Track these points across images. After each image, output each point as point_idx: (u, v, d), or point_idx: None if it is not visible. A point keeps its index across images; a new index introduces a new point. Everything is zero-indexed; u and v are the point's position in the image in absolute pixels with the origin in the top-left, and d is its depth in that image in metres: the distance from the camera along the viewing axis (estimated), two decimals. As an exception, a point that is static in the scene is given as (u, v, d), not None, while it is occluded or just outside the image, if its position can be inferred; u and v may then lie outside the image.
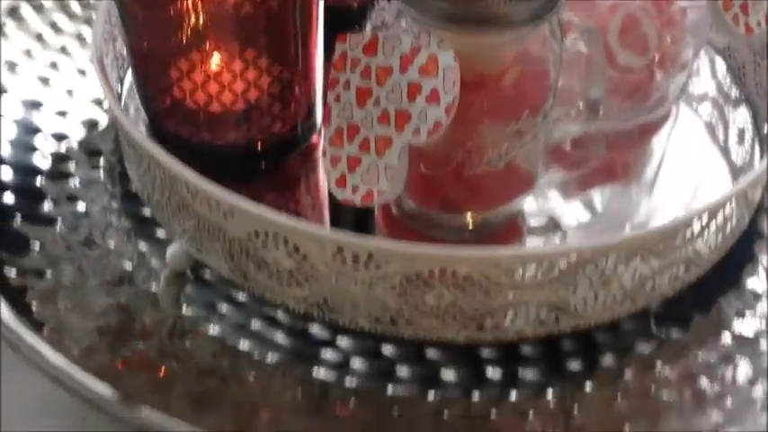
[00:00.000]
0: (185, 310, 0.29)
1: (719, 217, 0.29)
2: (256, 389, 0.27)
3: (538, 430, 0.25)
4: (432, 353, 0.29)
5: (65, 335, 0.27)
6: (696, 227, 0.28)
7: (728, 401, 0.26)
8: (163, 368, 0.27)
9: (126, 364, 0.26)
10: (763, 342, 0.27)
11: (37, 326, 0.27)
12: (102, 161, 0.34)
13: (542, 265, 0.26)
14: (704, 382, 0.27)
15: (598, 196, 0.35)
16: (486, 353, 0.29)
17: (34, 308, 0.28)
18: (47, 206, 0.32)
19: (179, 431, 0.25)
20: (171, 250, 0.31)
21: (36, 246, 0.30)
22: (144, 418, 0.25)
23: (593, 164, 0.35)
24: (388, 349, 0.29)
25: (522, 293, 0.27)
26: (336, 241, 0.26)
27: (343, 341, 0.29)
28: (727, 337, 0.28)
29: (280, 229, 0.27)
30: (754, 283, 0.31)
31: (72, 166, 0.33)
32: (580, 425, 0.26)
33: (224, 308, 0.30)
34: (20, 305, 0.27)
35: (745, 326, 0.29)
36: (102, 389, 0.25)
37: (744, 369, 0.27)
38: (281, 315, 0.30)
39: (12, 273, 0.29)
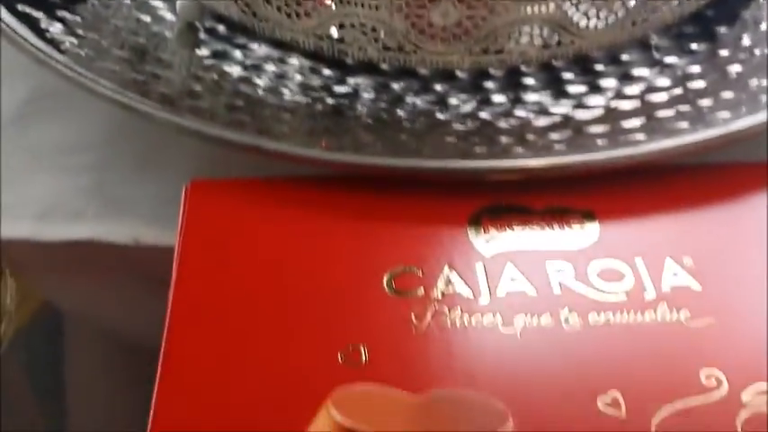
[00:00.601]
0: (202, 52, 0.31)
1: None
2: (275, 105, 0.28)
3: (545, 127, 0.27)
4: (439, 87, 0.30)
5: (91, 57, 0.28)
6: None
7: (726, 95, 0.27)
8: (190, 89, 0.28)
9: (154, 80, 0.28)
10: (757, 50, 0.28)
11: (62, 50, 0.28)
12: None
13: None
14: (702, 84, 0.28)
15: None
16: (491, 84, 0.30)
17: (57, 38, 0.29)
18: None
19: (214, 134, 0.26)
20: (180, 1, 0.32)
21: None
22: (184, 121, 0.26)
23: None
24: (396, 84, 0.30)
25: (525, 9, 0.28)
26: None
27: (354, 79, 0.30)
28: (726, 55, 0.30)
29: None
30: (754, 16, 0.32)
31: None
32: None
33: (238, 53, 0.31)
34: (43, 36, 0.29)
35: (745, 41, 0.30)
36: (137, 99, 0.26)
37: (741, 69, 0.28)
38: (293, 60, 0.31)
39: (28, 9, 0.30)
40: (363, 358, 0.21)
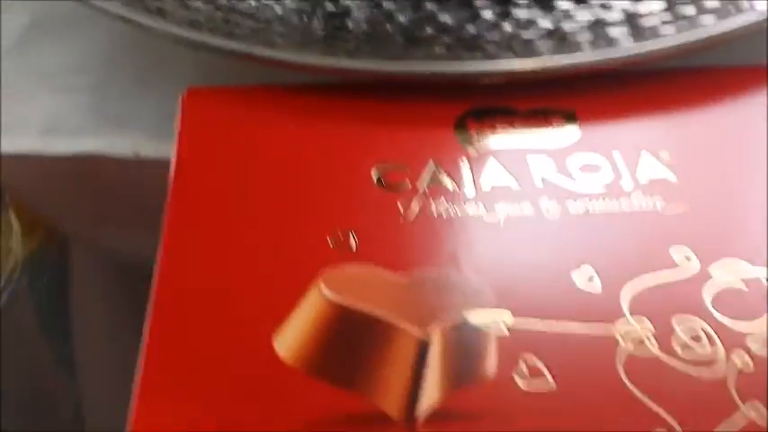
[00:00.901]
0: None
1: None
2: (269, 19, 0.29)
3: (532, 38, 0.27)
4: (429, 5, 0.31)
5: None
6: None
7: (709, 4, 0.27)
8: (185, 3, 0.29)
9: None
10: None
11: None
12: None
13: None
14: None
15: None
16: (480, 2, 0.31)
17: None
18: None
19: (212, 44, 0.26)
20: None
21: None
22: (182, 32, 0.26)
23: None
24: (387, 2, 0.31)
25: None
26: None
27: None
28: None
29: None
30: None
31: None
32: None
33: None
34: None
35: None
36: (137, 12, 0.27)
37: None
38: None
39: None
40: (353, 243, 0.22)
